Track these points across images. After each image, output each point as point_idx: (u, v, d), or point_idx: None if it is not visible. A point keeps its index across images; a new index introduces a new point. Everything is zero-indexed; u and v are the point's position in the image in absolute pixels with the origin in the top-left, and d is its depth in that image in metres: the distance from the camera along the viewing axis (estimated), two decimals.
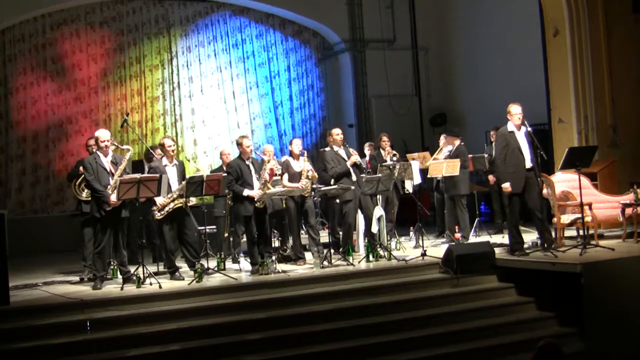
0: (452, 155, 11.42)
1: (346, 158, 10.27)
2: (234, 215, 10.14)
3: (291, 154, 10.37)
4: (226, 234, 10.68)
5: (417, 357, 7.65)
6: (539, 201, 9.17)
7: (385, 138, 11.72)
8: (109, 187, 8.76)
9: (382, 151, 11.67)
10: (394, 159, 11.44)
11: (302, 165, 10.11)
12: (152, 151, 10.66)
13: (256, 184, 9.52)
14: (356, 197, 10.19)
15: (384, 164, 11.16)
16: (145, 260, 9.18)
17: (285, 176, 10.12)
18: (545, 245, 9.08)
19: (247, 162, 9.61)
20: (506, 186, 9.18)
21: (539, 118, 13.24)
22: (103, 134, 9.01)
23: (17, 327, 7.42)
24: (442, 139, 12.04)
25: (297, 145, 10.32)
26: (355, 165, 10.27)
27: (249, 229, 9.55)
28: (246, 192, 9.42)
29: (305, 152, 10.31)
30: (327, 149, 10.91)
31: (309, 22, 17.94)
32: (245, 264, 9.96)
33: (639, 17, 12.52)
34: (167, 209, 9.10)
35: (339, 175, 10.17)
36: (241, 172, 9.50)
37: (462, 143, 11.79)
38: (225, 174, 9.66)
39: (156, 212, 9.11)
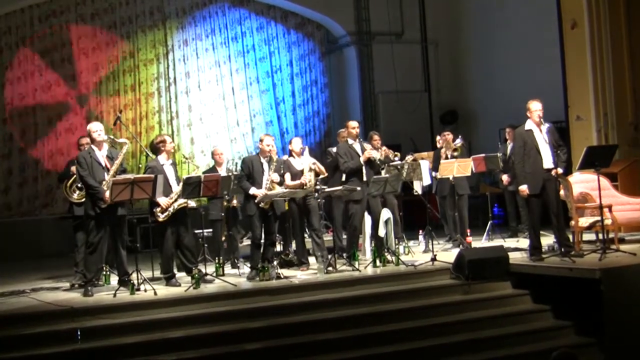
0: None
1: (360, 153, 10.15)
2: (231, 217, 10.19)
3: (291, 153, 10.37)
4: (222, 238, 10.69)
5: None
6: (556, 204, 9.14)
7: (376, 137, 11.37)
8: (104, 182, 8.77)
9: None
10: (396, 158, 11.40)
11: (305, 160, 10.10)
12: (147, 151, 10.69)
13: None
14: (365, 198, 10.11)
15: (391, 163, 11.13)
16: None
17: (288, 176, 10.10)
18: (563, 250, 9.07)
19: (262, 160, 9.70)
20: (523, 189, 9.18)
21: (556, 115, 13.19)
22: (95, 126, 9.05)
23: (3, 337, 7.42)
24: (439, 139, 12.07)
25: (297, 143, 10.34)
26: (369, 162, 10.20)
27: (253, 230, 9.63)
28: (252, 191, 9.51)
29: (307, 147, 10.35)
30: (334, 149, 10.91)
31: (313, 14, 17.95)
32: (246, 269, 9.96)
33: None
34: (170, 210, 9.11)
35: (351, 172, 10.12)
36: (252, 169, 9.61)
37: (462, 143, 11.90)
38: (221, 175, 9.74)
39: (159, 213, 9.11)
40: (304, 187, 9.96)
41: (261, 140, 9.85)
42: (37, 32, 15.60)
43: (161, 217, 9.12)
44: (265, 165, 9.69)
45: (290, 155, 10.39)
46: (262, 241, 9.57)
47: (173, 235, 9.22)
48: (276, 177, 9.68)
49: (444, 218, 12.03)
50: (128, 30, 16.33)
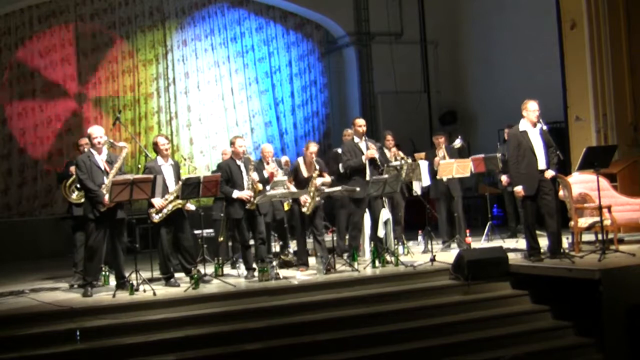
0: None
1: (365, 152, 10.13)
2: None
3: (304, 157, 10.11)
4: (221, 239, 10.70)
5: None
6: (552, 205, 9.11)
7: (389, 137, 11.59)
8: (103, 186, 8.77)
9: (386, 151, 11.59)
10: (402, 161, 11.37)
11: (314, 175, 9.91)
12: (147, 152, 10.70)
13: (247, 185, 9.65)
14: (367, 198, 10.06)
15: (391, 164, 11.12)
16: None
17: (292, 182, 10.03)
18: (553, 252, 9.07)
19: (238, 163, 9.71)
20: (518, 190, 9.16)
21: (555, 116, 13.22)
22: (96, 131, 9.00)
23: (2, 337, 7.41)
24: (442, 141, 12.02)
25: (313, 151, 9.90)
26: (371, 161, 10.16)
27: (241, 232, 9.67)
28: (235, 194, 9.52)
29: (319, 166, 9.87)
30: (339, 149, 10.91)
31: (312, 14, 17.95)
32: (244, 269, 9.97)
33: None
34: (165, 210, 9.12)
35: (352, 170, 10.11)
36: (231, 173, 9.63)
37: (462, 143, 11.94)
38: None
39: (153, 214, 9.12)
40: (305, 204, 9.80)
41: (232, 143, 9.83)
42: (37, 32, 15.60)
43: (156, 218, 9.13)
44: (242, 167, 9.70)
45: (304, 159, 10.13)
46: (251, 242, 9.64)
47: (169, 235, 9.23)
48: (256, 177, 9.67)
49: (441, 221, 12.01)
50: (127, 30, 16.34)
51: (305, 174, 10.00)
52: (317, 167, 9.85)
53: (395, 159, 11.25)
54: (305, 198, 9.77)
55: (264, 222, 10.06)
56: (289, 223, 11.09)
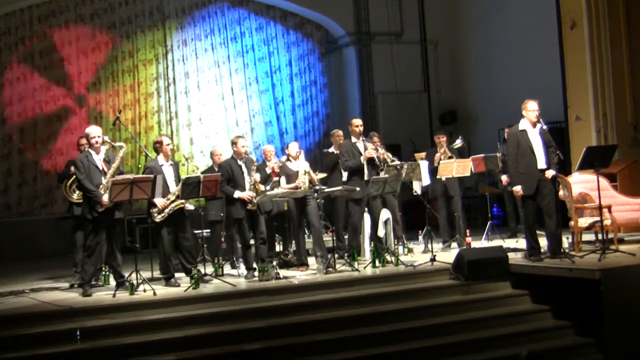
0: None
1: (362, 152, 10.14)
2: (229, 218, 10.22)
3: (288, 157, 10.34)
4: (222, 239, 10.68)
5: None
6: (551, 205, 9.11)
7: (376, 138, 11.20)
8: (101, 186, 8.77)
9: None
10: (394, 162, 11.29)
11: (301, 164, 10.06)
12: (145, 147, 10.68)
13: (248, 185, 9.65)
14: (365, 198, 10.09)
15: (390, 163, 11.09)
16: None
17: (283, 179, 10.10)
18: (554, 252, 9.06)
19: (239, 163, 9.70)
20: (517, 189, 9.15)
21: (555, 116, 13.21)
22: (94, 130, 9.00)
23: (2, 337, 7.42)
24: (443, 140, 11.95)
25: (293, 148, 10.25)
26: (370, 161, 10.18)
27: (242, 232, 9.66)
28: (237, 194, 9.51)
29: (302, 152, 10.31)
30: (331, 149, 10.91)
31: (312, 14, 17.94)
32: (244, 269, 9.98)
33: None
34: (167, 210, 9.11)
35: (351, 170, 10.11)
36: (232, 173, 9.61)
37: (462, 143, 12.02)
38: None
39: (155, 214, 9.11)
40: (299, 189, 9.91)
41: (234, 143, 9.82)
42: (37, 32, 15.60)
43: (158, 218, 9.13)
44: (244, 167, 9.70)
45: (287, 159, 10.36)
46: (252, 242, 9.66)
47: (170, 235, 9.23)
48: (258, 177, 9.68)
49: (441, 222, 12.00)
50: (127, 30, 16.33)
51: (293, 168, 10.10)
52: (301, 153, 10.18)
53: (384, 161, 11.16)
54: (297, 183, 9.87)
55: (270, 215, 10.09)
56: (288, 223, 11.10)
